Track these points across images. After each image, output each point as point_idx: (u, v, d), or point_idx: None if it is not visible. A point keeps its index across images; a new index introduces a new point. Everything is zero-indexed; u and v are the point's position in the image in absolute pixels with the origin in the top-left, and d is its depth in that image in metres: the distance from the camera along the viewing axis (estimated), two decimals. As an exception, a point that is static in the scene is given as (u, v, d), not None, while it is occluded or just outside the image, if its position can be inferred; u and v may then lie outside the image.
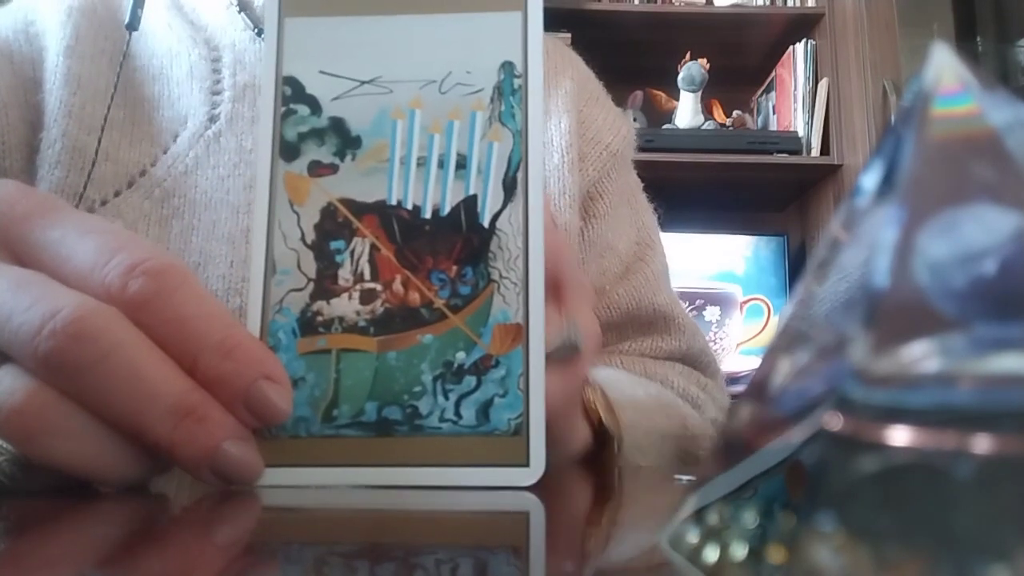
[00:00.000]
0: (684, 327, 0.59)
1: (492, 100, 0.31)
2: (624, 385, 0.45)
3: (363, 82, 0.31)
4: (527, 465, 0.28)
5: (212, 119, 0.52)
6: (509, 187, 0.31)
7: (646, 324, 0.58)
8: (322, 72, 0.31)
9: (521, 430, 0.29)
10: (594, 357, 0.37)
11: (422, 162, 0.31)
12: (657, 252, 0.62)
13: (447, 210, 0.30)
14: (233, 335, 0.25)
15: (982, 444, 0.12)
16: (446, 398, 0.29)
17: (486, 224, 0.30)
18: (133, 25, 0.51)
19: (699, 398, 0.57)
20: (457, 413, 0.29)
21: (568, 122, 0.58)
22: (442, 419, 0.29)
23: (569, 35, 1.66)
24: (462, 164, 0.31)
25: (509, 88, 0.31)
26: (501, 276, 0.30)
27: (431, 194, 0.31)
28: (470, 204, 0.31)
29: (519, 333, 0.30)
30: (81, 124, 0.50)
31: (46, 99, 0.51)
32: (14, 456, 0.23)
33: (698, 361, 0.59)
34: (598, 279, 0.57)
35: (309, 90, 0.31)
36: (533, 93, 0.32)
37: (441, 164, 0.31)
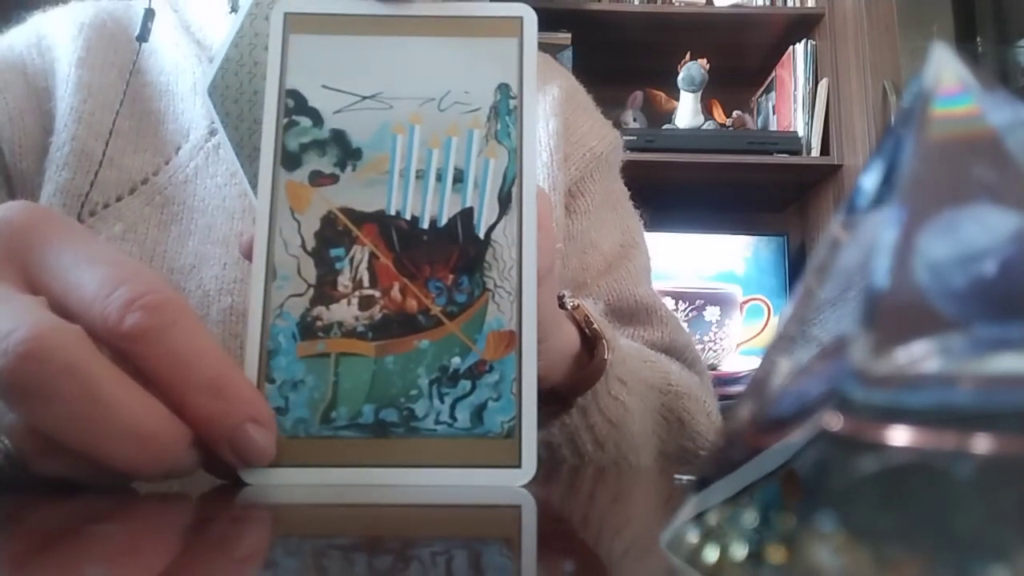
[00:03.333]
0: (666, 320, 0.60)
1: (489, 119, 0.32)
2: (605, 323, 0.46)
3: (364, 97, 0.32)
4: (519, 466, 0.29)
5: (212, 132, 0.54)
6: (504, 201, 0.32)
7: (628, 315, 0.59)
8: (324, 87, 0.32)
9: (514, 433, 0.30)
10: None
11: (421, 175, 0.32)
12: (640, 251, 0.64)
13: (444, 221, 0.32)
14: (224, 374, 0.25)
15: (982, 444, 0.12)
16: (441, 401, 0.30)
17: (482, 235, 0.32)
18: (143, 37, 0.53)
19: (696, 384, 0.57)
20: (452, 416, 0.30)
21: (555, 125, 0.61)
22: (437, 421, 0.30)
23: (569, 35, 1.66)
24: (459, 178, 0.32)
25: (505, 108, 0.32)
26: (496, 285, 0.31)
27: (429, 205, 0.32)
28: (466, 216, 0.32)
29: (512, 339, 0.31)
30: (90, 130, 0.52)
31: (58, 105, 0.54)
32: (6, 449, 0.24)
33: (683, 356, 0.59)
34: (580, 274, 0.59)
35: (311, 103, 0.32)
36: (528, 114, 0.33)
37: (439, 177, 0.32)
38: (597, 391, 0.43)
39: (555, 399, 0.43)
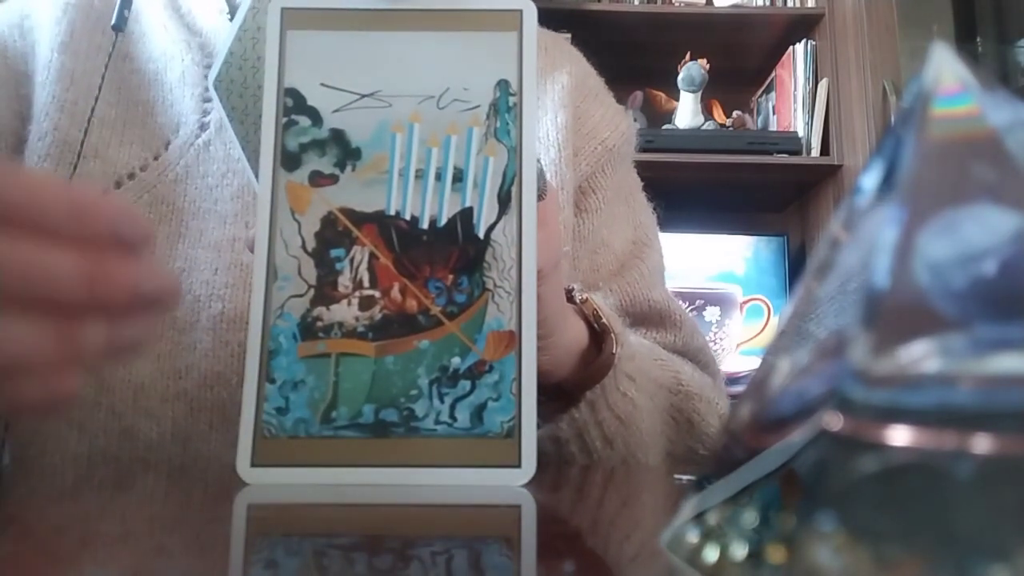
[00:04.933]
0: (681, 323, 0.59)
1: (488, 117, 0.32)
2: (614, 317, 0.45)
3: (363, 95, 0.32)
4: (519, 466, 0.30)
5: (202, 127, 0.52)
6: (504, 200, 0.32)
7: (641, 319, 0.58)
8: (323, 85, 0.32)
9: (513, 432, 0.30)
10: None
11: (420, 174, 0.32)
12: (654, 250, 0.62)
13: (444, 221, 0.32)
14: (76, 195, 0.25)
15: (982, 444, 0.12)
16: (441, 401, 0.30)
17: (481, 235, 0.32)
18: (119, 26, 0.51)
19: (708, 386, 0.56)
20: (452, 416, 0.30)
21: (564, 117, 0.58)
22: (437, 421, 0.30)
23: (569, 35, 1.65)
24: (459, 177, 0.32)
25: (505, 106, 0.33)
26: (495, 285, 0.31)
27: (429, 205, 0.32)
28: (466, 216, 0.32)
29: (512, 340, 0.31)
30: (73, 119, 0.50)
31: (37, 92, 0.51)
32: None
33: (696, 359, 0.58)
34: (591, 275, 0.57)
35: (310, 102, 0.32)
36: (528, 111, 0.33)
37: (439, 177, 0.32)
38: (606, 386, 0.43)
39: (563, 394, 0.43)
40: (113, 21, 0.51)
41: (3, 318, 0.23)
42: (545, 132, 0.57)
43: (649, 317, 0.58)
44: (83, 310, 0.24)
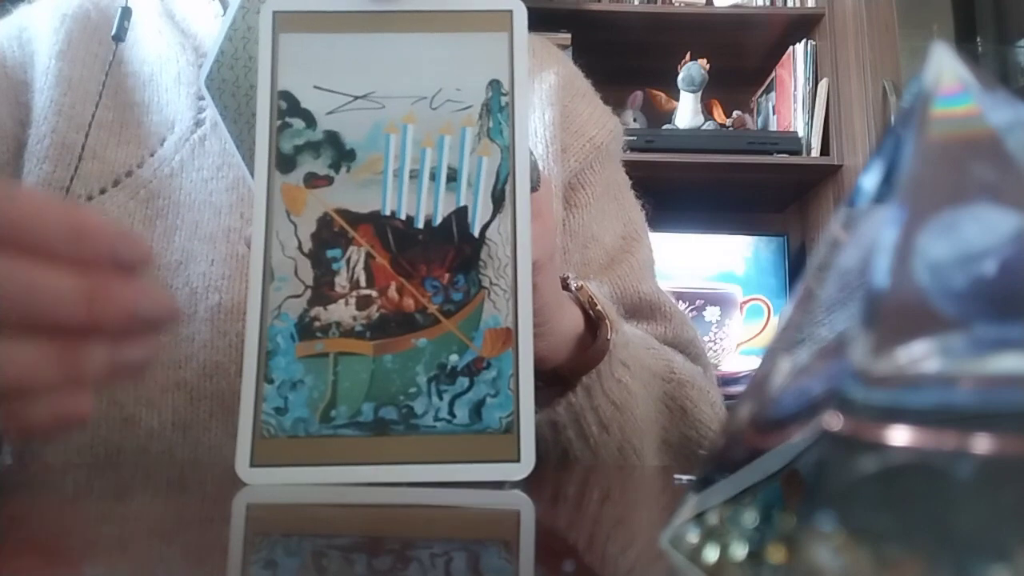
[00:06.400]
0: (671, 315, 0.59)
1: (481, 117, 0.33)
2: (609, 305, 0.46)
3: (357, 97, 0.33)
4: (518, 460, 0.30)
5: (198, 123, 0.53)
6: (498, 199, 0.32)
7: (631, 311, 0.58)
8: (316, 87, 0.33)
9: (512, 428, 0.30)
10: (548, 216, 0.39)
11: (415, 174, 0.32)
12: (643, 244, 0.63)
13: (439, 220, 0.32)
14: (75, 218, 0.25)
15: (982, 444, 0.12)
16: (440, 398, 0.30)
17: (476, 234, 0.32)
18: (119, 36, 0.52)
19: (700, 375, 0.56)
20: (451, 412, 0.30)
21: (552, 114, 0.59)
22: (436, 418, 0.30)
23: (569, 35, 1.66)
24: (453, 177, 0.32)
25: (497, 105, 0.33)
26: (491, 283, 0.32)
27: (424, 205, 0.32)
28: (461, 215, 0.32)
29: (509, 336, 0.31)
30: (70, 122, 0.51)
31: (36, 98, 0.53)
32: None
33: (687, 351, 0.58)
34: (582, 269, 0.58)
35: (304, 104, 0.33)
36: (519, 110, 0.33)
37: (433, 177, 0.32)
38: (601, 372, 0.43)
39: (559, 380, 0.44)
40: (113, 32, 0.52)
41: (4, 340, 0.23)
42: (533, 129, 0.58)
43: (639, 309, 0.59)
44: (84, 331, 0.25)
